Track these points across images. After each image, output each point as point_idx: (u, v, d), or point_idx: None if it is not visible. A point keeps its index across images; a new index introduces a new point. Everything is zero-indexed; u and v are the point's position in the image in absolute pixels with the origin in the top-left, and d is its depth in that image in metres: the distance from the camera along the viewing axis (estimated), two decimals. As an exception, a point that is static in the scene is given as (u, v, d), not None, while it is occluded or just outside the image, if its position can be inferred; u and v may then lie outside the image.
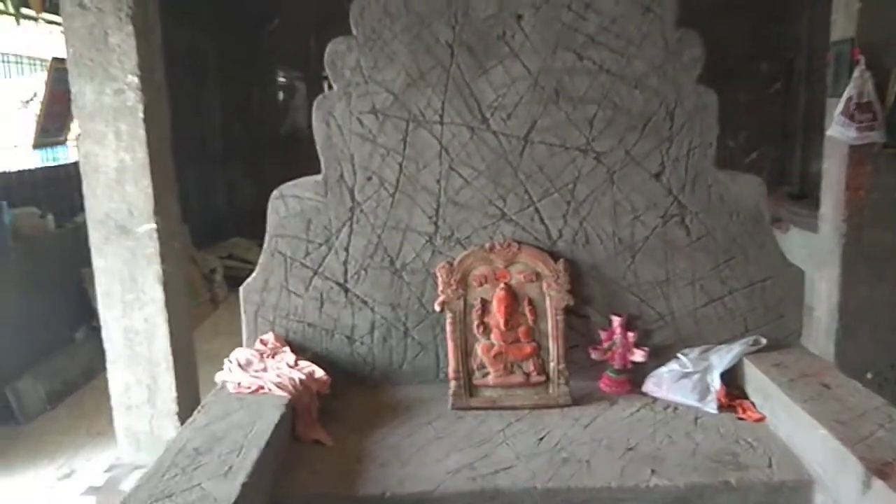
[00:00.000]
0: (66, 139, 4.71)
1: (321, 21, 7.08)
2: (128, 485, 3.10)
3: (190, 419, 1.79)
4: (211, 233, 6.79)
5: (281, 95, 7.64)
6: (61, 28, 3.00)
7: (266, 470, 1.61)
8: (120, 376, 3.27)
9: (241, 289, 2.21)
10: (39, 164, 4.60)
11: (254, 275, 2.20)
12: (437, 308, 2.10)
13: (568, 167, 2.09)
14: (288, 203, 2.14)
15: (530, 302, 2.10)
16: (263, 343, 2.17)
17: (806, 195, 5.96)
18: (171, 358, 3.24)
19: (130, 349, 3.23)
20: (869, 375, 3.07)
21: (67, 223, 4.55)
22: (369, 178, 2.12)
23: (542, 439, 1.85)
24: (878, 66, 2.82)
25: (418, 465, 1.74)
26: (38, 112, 4.27)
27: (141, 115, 3.00)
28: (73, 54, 2.99)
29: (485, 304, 2.10)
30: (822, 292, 3.22)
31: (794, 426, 1.77)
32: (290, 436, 1.86)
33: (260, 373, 2.01)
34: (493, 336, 2.09)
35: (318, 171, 2.15)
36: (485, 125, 2.08)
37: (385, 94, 2.07)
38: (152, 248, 3.12)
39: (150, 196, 3.08)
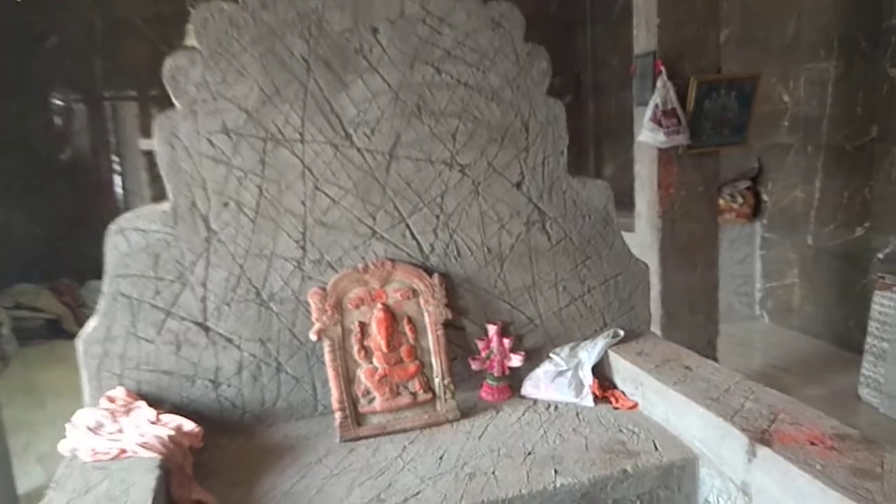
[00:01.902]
0: None
1: (105, 37, 6.48)
2: None
3: (44, 500, 1.50)
4: (-9, 281, 5.91)
5: (59, 120, 6.87)
6: None
7: (152, 545, 1.40)
8: None
9: (78, 341, 1.92)
10: None
11: (93, 324, 1.91)
12: (313, 337, 1.98)
13: (435, 181, 2.08)
14: (129, 237, 1.89)
15: (409, 320, 2.05)
16: (112, 400, 1.89)
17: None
18: (-30, 432, 2.74)
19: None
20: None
21: None
22: (225, 204, 1.94)
23: (441, 458, 1.81)
24: (677, 75, 3.17)
25: (321, 507, 1.61)
26: None
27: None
28: None
29: (363, 326, 2.02)
30: (645, 283, 3.53)
31: (668, 408, 1.91)
32: (167, 501, 1.63)
33: (116, 434, 1.75)
34: (375, 359, 2.01)
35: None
36: (348, 142, 2.00)
37: (237, 111, 1.91)
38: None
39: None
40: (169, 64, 1.86)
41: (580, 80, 7.24)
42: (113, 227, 1.89)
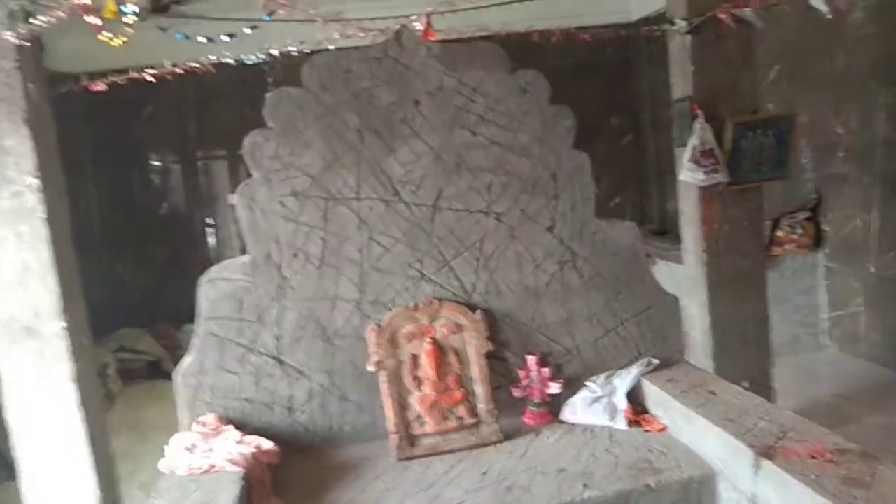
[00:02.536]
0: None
1: (197, 104, 7.16)
2: None
3: (148, 506, 1.83)
4: (98, 326, 6.51)
5: (157, 179, 7.59)
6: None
7: (237, 541, 1.70)
8: (35, 486, 3.14)
9: (175, 374, 2.28)
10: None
11: (188, 360, 2.27)
12: (372, 368, 2.27)
13: (474, 228, 2.36)
14: (218, 286, 2.26)
15: (456, 352, 2.32)
16: (203, 424, 2.23)
17: (666, 231, 6.64)
18: (90, 458, 3.16)
19: (44, 455, 3.12)
20: (745, 384, 3.50)
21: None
22: (295, 255, 2.28)
23: (484, 474, 2.04)
24: (714, 117, 3.35)
25: (377, 515, 1.88)
26: None
27: (42, 215, 3.01)
28: (-33, 160, 2.96)
29: (415, 358, 2.29)
30: (695, 315, 3.66)
31: (692, 430, 2.08)
32: (248, 509, 1.94)
33: (208, 453, 2.08)
34: (425, 387, 2.28)
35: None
36: (397, 197, 2.32)
37: (303, 177, 2.27)
38: (62, 347, 3.08)
39: (56, 295, 3.06)
40: (248, 141, 2.24)
41: (639, 120, 7.40)
42: (204, 278, 2.26)
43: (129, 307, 7.07)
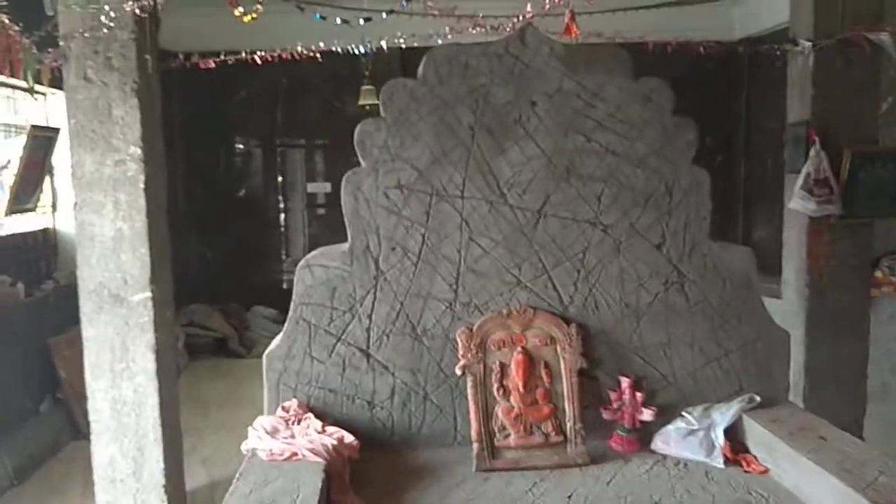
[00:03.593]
0: (35, 207, 4.64)
1: (287, 92, 7.27)
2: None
3: (231, 488, 1.80)
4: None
5: (239, 162, 7.74)
6: (63, 99, 3.03)
7: (318, 535, 1.65)
8: (105, 449, 3.19)
9: (264, 356, 2.26)
10: (9, 232, 4.50)
11: (277, 342, 2.25)
12: (459, 372, 2.20)
13: (578, 238, 2.26)
14: (314, 272, 2.23)
15: (546, 365, 2.22)
16: (286, 410, 2.21)
17: (752, 261, 6.36)
18: (159, 429, 3.19)
19: (118, 420, 3.17)
20: (835, 429, 3.30)
21: (36, 291, 4.44)
22: (393, 249, 2.23)
23: (569, 498, 1.95)
24: (830, 145, 3.16)
25: (459, 525, 1.80)
26: (12, 179, 4.22)
27: (142, 185, 3.06)
28: (75, 125, 3.03)
29: (503, 367, 2.21)
30: (788, 352, 3.46)
31: (799, 476, 1.93)
32: (328, 502, 1.89)
33: (289, 439, 2.05)
34: (512, 398, 2.19)
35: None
36: (502, 199, 2.24)
37: (410, 170, 2.21)
38: (146, 316, 3.12)
39: (146, 264, 3.10)
40: (360, 129, 2.20)
41: (732, 142, 7.14)
42: (302, 263, 2.23)
43: (203, 284, 7.23)
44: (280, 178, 7.67)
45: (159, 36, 3.17)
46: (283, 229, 7.63)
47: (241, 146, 7.68)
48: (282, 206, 7.65)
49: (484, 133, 2.22)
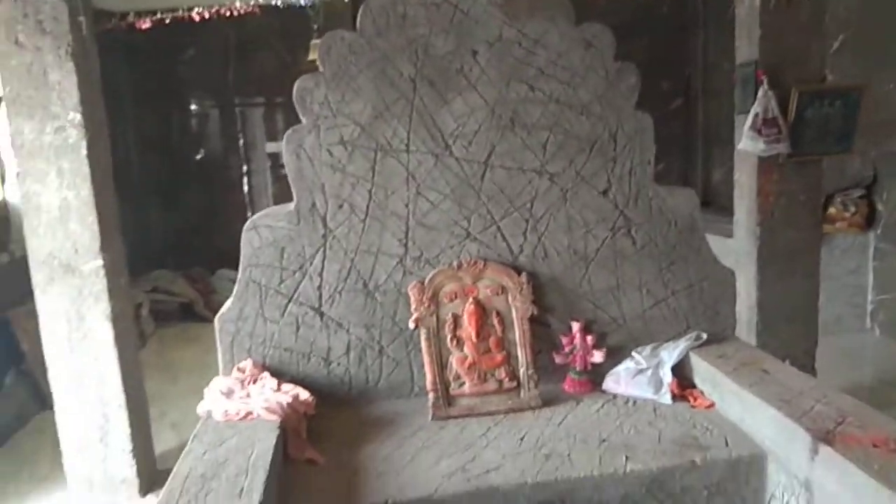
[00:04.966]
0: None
1: (238, 49, 7.08)
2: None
3: (185, 450, 1.82)
4: (132, 266, 6.62)
5: (195, 124, 7.58)
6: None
7: (273, 489, 1.68)
8: (69, 418, 3.20)
9: (216, 319, 2.25)
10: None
11: (228, 304, 2.25)
12: (412, 325, 2.22)
13: (525, 188, 2.27)
14: (261, 233, 2.21)
15: (498, 314, 2.25)
16: (241, 371, 2.22)
17: (710, 202, 6.46)
18: (122, 395, 3.21)
19: (79, 389, 3.18)
20: (786, 361, 3.41)
21: (-10, 264, 4.36)
22: (340, 206, 2.22)
23: (522, 439, 2.00)
24: (779, 84, 3.19)
25: (413, 472, 1.85)
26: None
27: (84, 151, 3.00)
28: (10, 93, 2.95)
29: (456, 318, 2.24)
30: (741, 290, 3.53)
31: (742, 408, 2.00)
32: (284, 457, 1.92)
33: (245, 399, 2.07)
34: (466, 348, 2.23)
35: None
36: (448, 152, 2.23)
37: (353, 126, 2.19)
38: (100, 285, 3.10)
39: (95, 233, 3.06)
40: (298, 86, 2.16)
41: (690, 84, 7.15)
42: (248, 224, 2.21)
43: (164, 250, 7.16)
44: (241, 139, 7.54)
45: (95, -4, 3.07)
46: (246, 191, 7.53)
47: (195, 107, 7.50)
48: (244, 167, 7.54)
49: (426, 85, 2.19)
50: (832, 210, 4.82)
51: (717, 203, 6.33)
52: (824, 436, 1.66)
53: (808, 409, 1.81)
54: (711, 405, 2.15)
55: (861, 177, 4.83)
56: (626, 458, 1.86)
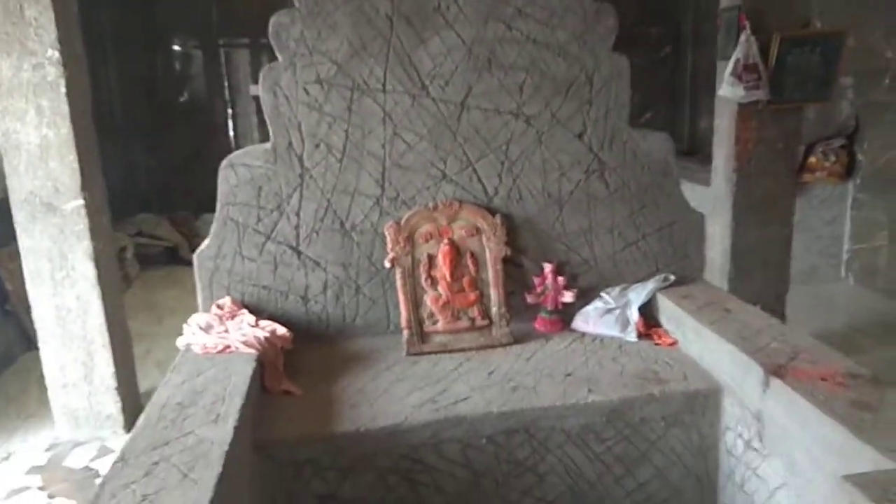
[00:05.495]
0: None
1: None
2: (72, 461, 3.12)
3: (164, 380, 1.88)
4: (116, 210, 6.60)
5: (178, 66, 7.44)
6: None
7: (248, 417, 1.75)
8: (54, 356, 3.26)
9: (195, 256, 2.29)
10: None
11: (206, 242, 2.28)
12: (388, 265, 2.27)
13: (501, 130, 2.29)
14: (238, 171, 2.23)
15: (472, 254, 2.30)
16: (220, 307, 2.27)
17: (695, 151, 6.47)
18: (106, 334, 3.26)
19: (63, 328, 3.22)
20: (758, 307, 3.50)
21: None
22: (317, 146, 2.24)
23: (491, 373, 2.07)
24: (761, 30, 3.18)
25: (385, 403, 1.92)
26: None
27: (63, 89, 2.97)
28: (-15, 28, 2.89)
29: (431, 258, 2.29)
30: (716, 237, 3.61)
31: (702, 345, 2.08)
32: (261, 389, 1.99)
33: (223, 334, 2.12)
34: (440, 287, 2.28)
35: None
36: (425, 92, 2.24)
37: (329, 64, 2.19)
38: (81, 224, 3.12)
39: (76, 171, 3.06)
40: (274, 21, 2.15)
41: (680, 31, 7.07)
42: (225, 163, 2.23)
43: (149, 193, 7.12)
44: (226, 81, 7.42)
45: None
46: (232, 135, 7.46)
47: (178, 48, 7.36)
48: (229, 110, 7.45)
49: (403, 23, 2.19)
50: (812, 159, 4.85)
51: (702, 152, 6.34)
52: (776, 370, 1.73)
53: (763, 346, 1.88)
54: (674, 343, 2.23)
55: (844, 126, 4.85)
56: (589, 390, 1.94)
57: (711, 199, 3.65)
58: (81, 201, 3.08)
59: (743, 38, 3.20)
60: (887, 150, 4.54)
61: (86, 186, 3.08)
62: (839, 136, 4.85)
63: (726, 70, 3.27)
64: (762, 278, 3.61)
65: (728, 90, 3.27)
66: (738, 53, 3.22)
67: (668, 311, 2.30)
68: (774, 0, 3.22)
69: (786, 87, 3.31)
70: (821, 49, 3.28)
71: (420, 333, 2.26)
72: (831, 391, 1.63)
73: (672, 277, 2.42)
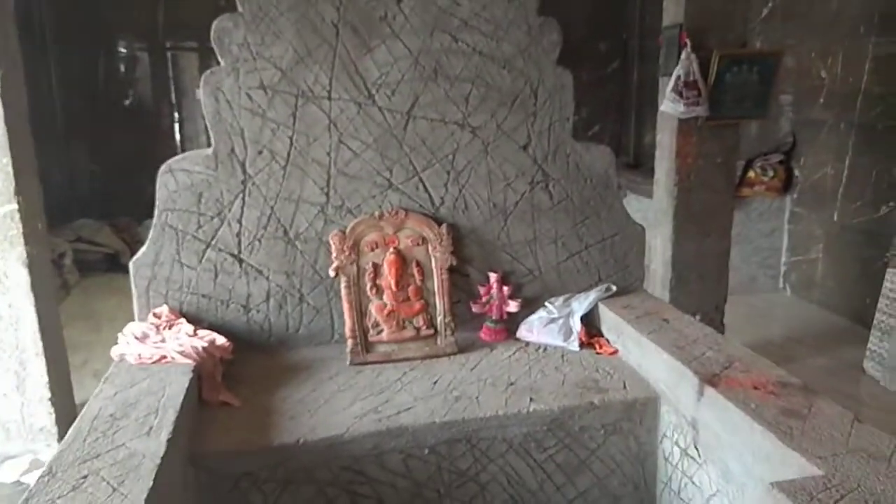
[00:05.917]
0: None
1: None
2: (2, 475, 2.99)
3: (96, 390, 1.82)
4: (56, 215, 6.38)
5: (123, 67, 7.26)
6: None
7: (184, 429, 1.70)
8: (-17, 365, 3.11)
9: (130, 263, 2.23)
10: None
11: (143, 249, 2.22)
12: (332, 273, 2.25)
13: (447, 140, 2.30)
14: (177, 177, 2.18)
15: (418, 264, 2.30)
16: (157, 316, 2.21)
17: (640, 164, 6.64)
18: (40, 343, 3.14)
19: (-6, 336, 3.08)
20: (697, 317, 3.59)
21: None
22: (260, 152, 2.20)
23: (435, 383, 2.07)
24: (702, 48, 3.28)
25: (326, 414, 1.90)
26: None
27: (-6, 90, 2.85)
28: (-89, 23, 2.77)
29: (376, 267, 2.27)
30: (657, 248, 3.70)
31: (641, 354, 2.12)
32: (198, 400, 1.94)
33: (160, 344, 2.07)
34: (385, 296, 2.27)
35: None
36: (371, 101, 2.23)
37: (273, 70, 2.16)
38: (14, 229, 3.00)
39: (9, 175, 2.95)
40: (216, 25, 2.12)
41: (628, 47, 7.25)
42: (164, 168, 2.18)
43: (90, 198, 6.90)
44: (173, 85, 7.27)
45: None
46: (178, 139, 7.30)
47: (123, 50, 7.18)
48: (176, 114, 7.30)
49: (349, 31, 2.18)
50: (751, 174, 5.02)
51: (647, 165, 6.49)
52: (710, 379, 1.78)
53: (698, 355, 1.93)
54: (615, 352, 2.26)
55: (782, 143, 5.04)
56: (531, 399, 1.95)
57: (654, 212, 3.73)
58: (15, 206, 2.96)
59: (684, 55, 3.30)
60: (821, 166, 4.73)
61: (20, 191, 2.96)
62: (777, 152, 5.04)
63: (668, 86, 3.36)
64: (701, 289, 3.71)
65: (669, 106, 3.35)
66: (679, 70, 3.30)
67: (610, 320, 2.34)
68: (715, 19, 3.33)
69: (725, 103, 3.41)
70: (758, 68, 3.40)
71: (364, 343, 2.24)
72: (762, 399, 1.68)
73: (614, 288, 2.46)
